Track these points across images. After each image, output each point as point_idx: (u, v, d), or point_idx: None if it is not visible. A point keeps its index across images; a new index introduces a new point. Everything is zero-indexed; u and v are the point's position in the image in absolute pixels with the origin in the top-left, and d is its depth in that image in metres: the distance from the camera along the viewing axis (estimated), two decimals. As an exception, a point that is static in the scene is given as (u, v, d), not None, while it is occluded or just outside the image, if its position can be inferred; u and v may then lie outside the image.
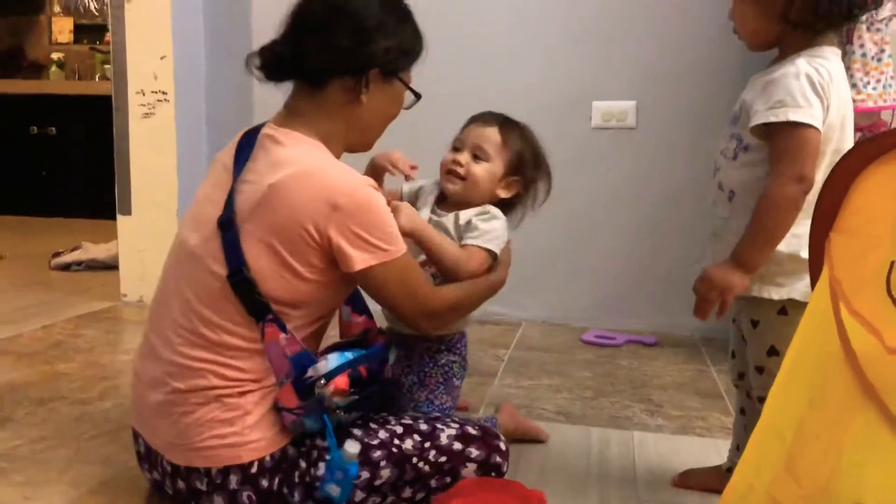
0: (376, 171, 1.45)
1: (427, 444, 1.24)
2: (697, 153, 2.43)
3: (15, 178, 4.92)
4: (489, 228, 1.40)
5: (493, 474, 1.29)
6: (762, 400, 1.20)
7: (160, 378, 1.18)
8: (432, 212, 1.47)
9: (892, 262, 0.83)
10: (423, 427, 1.26)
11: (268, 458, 1.16)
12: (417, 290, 1.24)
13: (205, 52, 2.76)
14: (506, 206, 1.48)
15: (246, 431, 1.14)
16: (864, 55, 1.84)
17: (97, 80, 5.02)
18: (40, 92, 4.89)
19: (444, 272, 1.37)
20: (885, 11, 1.77)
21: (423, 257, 1.39)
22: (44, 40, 5.36)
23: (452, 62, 2.56)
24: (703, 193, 1.32)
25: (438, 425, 1.27)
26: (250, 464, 1.15)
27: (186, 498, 1.19)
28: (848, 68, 1.83)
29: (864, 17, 1.73)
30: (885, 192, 0.87)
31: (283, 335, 1.14)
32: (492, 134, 1.44)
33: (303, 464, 1.18)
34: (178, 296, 1.19)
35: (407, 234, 1.28)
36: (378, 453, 1.20)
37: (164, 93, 2.64)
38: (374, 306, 1.32)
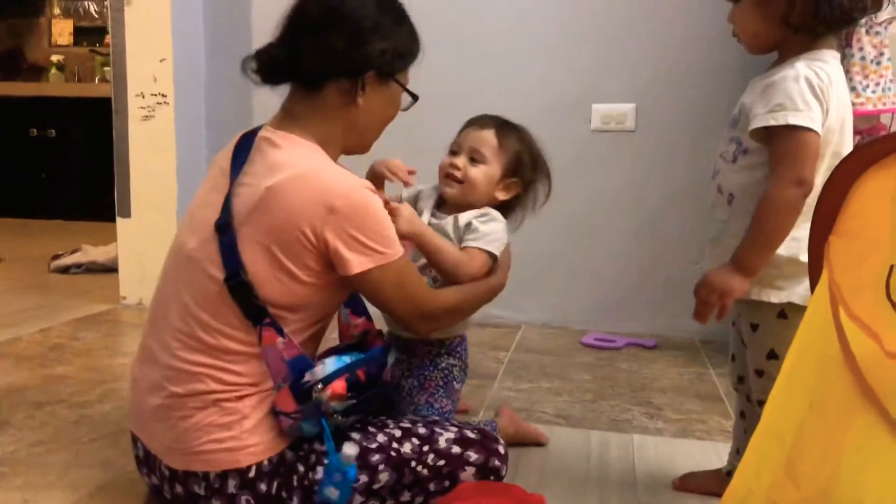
0: (375, 179, 1.45)
1: (425, 448, 1.24)
2: (697, 156, 2.43)
3: (14, 180, 4.92)
4: (489, 230, 1.40)
5: (491, 478, 1.29)
6: (762, 403, 1.20)
7: (158, 382, 1.18)
8: (432, 215, 1.47)
9: (892, 266, 0.83)
10: (422, 431, 1.25)
11: (266, 463, 1.16)
12: (415, 293, 1.23)
13: (204, 55, 2.77)
14: (505, 208, 1.48)
15: (244, 435, 1.14)
16: (863, 58, 1.84)
17: (97, 82, 5.02)
18: (40, 94, 4.90)
19: (444, 275, 1.37)
20: (884, 14, 1.77)
21: (423, 261, 1.39)
22: (44, 42, 5.36)
23: (451, 64, 2.56)
24: (702, 196, 1.32)
25: (437, 429, 1.27)
26: (248, 468, 1.15)
27: (185, 502, 1.19)
28: (847, 71, 1.83)
29: (862, 21, 1.73)
30: (884, 196, 0.87)
31: (280, 339, 1.14)
32: (488, 137, 1.45)
33: (301, 468, 1.17)
34: (176, 300, 1.18)
35: (407, 237, 1.28)
36: (376, 457, 1.20)
37: (163, 95, 2.64)
38: (373, 309, 1.32)
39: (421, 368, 1.49)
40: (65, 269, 3.33)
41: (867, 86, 1.85)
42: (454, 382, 1.50)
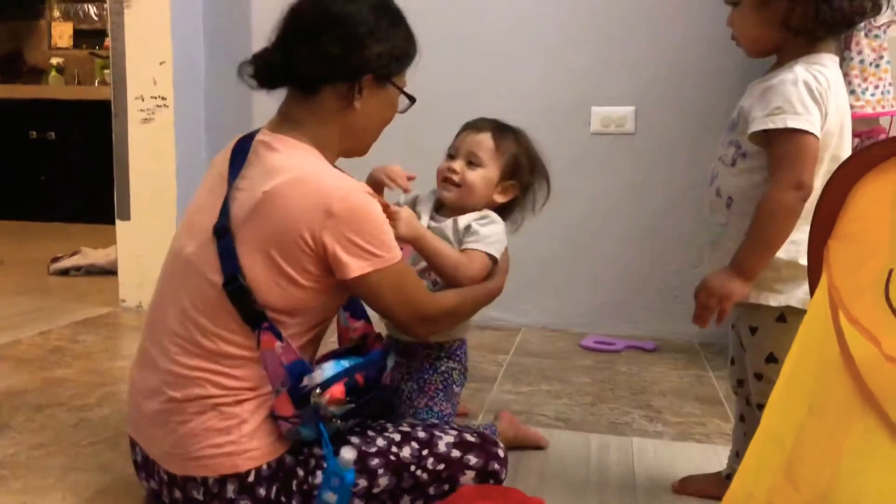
0: (374, 185, 1.45)
1: (425, 452, 1.23)
2: (696, 159, 2.44)
3: (14, 182, 4.93)
4: (489, 232, 1.41)
5: (491, 481, 1.28)
6: (761, 407, 1.20)
7: (156, 387, 1.18)
8: (430, 218, 1.47)
9: (891, 270, 0.83)
10: (421, 434, 1.25)
11: (265, 467, 1.15)
12: (413, 296, 1.23)
13: (204, 58, 2.77)
14: (504, 210, 1.49)
15: (243, 440, 1.14)
16: (861, 61, 1.84)
17: (97, 85, 5.03)
18: (40, 97, 4.90)
19: (444, 277, 1.37)
20: (883, 18, 1.77)
21: (422, 264, 1.39)
22: (43, 45, 5.37)
23: (449, 66, 2.57)
24: (702, 199, 1.32)
25: (436, 432, 1.27)
26: (247, 472, 1.15)
27: (183, 507, 1.19)
28: (846, 74, 1.83)
29: (861, 24, 1.74)
30: (883, 200, 0.87)
31: (278, 343, 1.14)
32: (485, 140, 1.45)
33: (300, 472, 1.17)
34: (174, 304, 1.18)
35: (406, 241, 1.28)
36: (376, 461, 1.20)
37: (163, 98, 2.65)
38: (372, 312, 1.32)
39: (420, 372, 1.49)
40: (64, 272, 3.33)
41: (866, 89, 1.85)
42: (454, 386, 1.50)
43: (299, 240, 1.12)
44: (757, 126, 1.16)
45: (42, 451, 1.53)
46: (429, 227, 1.41)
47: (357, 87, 1.21)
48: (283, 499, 1.16)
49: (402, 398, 1.48)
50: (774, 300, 1.21)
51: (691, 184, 2.45)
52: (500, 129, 1.47)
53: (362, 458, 1.19)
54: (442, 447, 1.25)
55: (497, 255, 1.41)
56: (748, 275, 1.17)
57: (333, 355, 1.25)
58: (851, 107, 1.81)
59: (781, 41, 1.20)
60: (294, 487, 1.17)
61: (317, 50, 1.18)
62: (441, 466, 1.24)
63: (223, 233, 1.14)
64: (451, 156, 1.47)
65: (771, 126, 1.15)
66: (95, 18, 5.28)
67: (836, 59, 1.22)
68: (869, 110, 1.85)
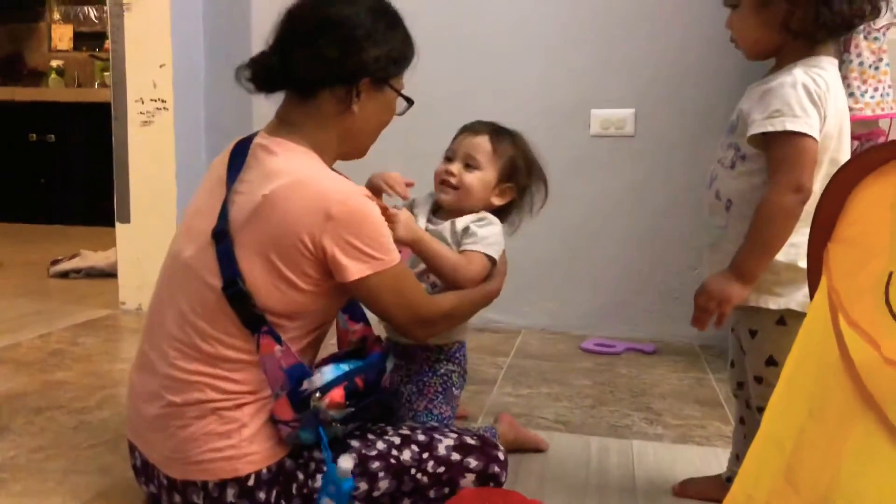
0: (373, 192, 1.45)
1: (425, 455, 1.23)
2: (696, 161, 2.43)
3: (14, 185, 4.92)
4: (487, 234, 1.41)
5: (491, 484, 1.28)
6: (761, 410, 1.20)
7: (156, 392, 1.17)
8: (428, 221, 1.48)
9: (891, 273, 0.83)
10: (421, 437, 1.25)
11: (265, 471, 1.15)
12: (412, 298, 1.24)
13: (204, 61, 2.77)
14: (501, 213, 1.49)
15: (243, 444, 1.14)
16: (861, 64, 1.84)
17: (96, 87, 5.03)
18: (40, 99, 4.90)
19: (443, 279, 1.37)
20: (883, 20, 1.77)
21: (421, 266, 1.39)
22: (43, 47, 5.37)
23: (447, 69, 2.57)
24: (702, 201, 1.32)
25: (436, 435, 1.27)
26: (247, 477, 1.14)
27: (183, 510, 1.19)
28: (845, 77, 1.83)
29: (861, 27, 1.74)
30: (882, 203, 0.87)
31: (278, 347, 1.14)
32: (482, 142, 1.46)
33: (300, 476, 1.17)
34: (173, 308, 1.18)
35: (405, 243, 1.28)
36: (376, 464, 1.20)
37: (163, 101, 2.65)
38: (371, 314, 1.32)
39: (420, 374, 1.49)
40: (64, 275, 3.33)
41: (865, 91, 1.85)
42: (453, 388, 1.50)
43: (299, 243, 1.12)
44: (756, 129, 1.17)
45: (42, 454, 1.53)
46: (426, 230, 1.42)
47: (355, 91, 1.21)
48: (283, 502, 1.16)
49: (402, 401, 1.48)
50: (774, 303, 1.21)
51: (691, 186, 2.45)
52: (498, 132, 1.48)
53: (363, 461, 1.19)
54: (442, 450, 1.25)
55: (495, 256, 1.41)
56: (747, 278, 1.17)
57: (333, 359, 1.25)
58: (851, 109, 1.80)
59: (781, 44, 1.20)
60: (294, 491, 1.17)
61: (314, 53, 1.18)
62: (441, 469, 1.24)
63: (222, 236, 1.14)
64: (449, 158, 1.48)
65: (770, 129, 1.15)
66: (95, 21, 5.29)
67: (835, 61, 1.22)
68: (868, 113, 1.85)
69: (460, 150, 1.47)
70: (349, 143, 1.27)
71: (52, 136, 4.87)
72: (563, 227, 2.58)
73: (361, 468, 1.19)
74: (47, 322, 2.57)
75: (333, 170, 1.23)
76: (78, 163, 4.82)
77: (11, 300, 2.89)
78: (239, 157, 1.21)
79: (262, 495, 1.15)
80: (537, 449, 1.61)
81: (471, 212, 1.45)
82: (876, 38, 1.85)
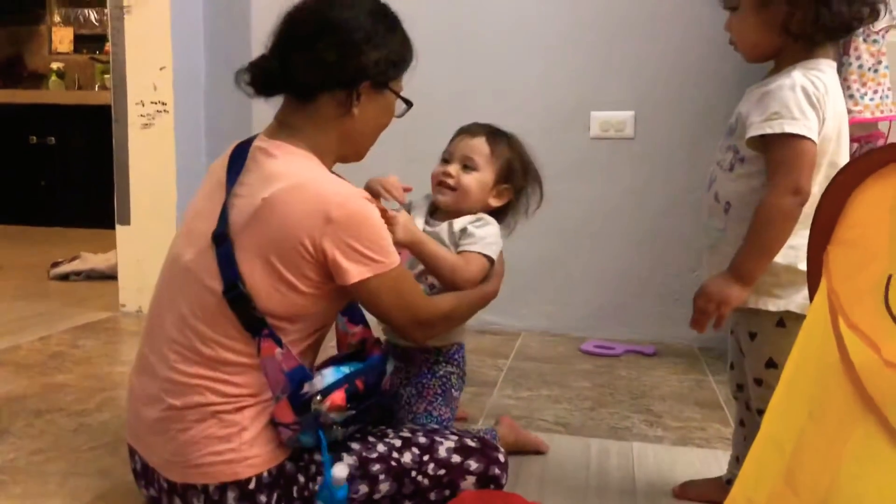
0: (371, 196, 1.45)
1: (426, 458, 1.23)
2: (696, 163, 2.44)
3: (14, 187, 4.92)
4: (485, 234, 1.42)
5: (492, 486, 1.28)
6: (761, 412, 1.20)
7: (156, 395, 1.17)
8: (425, 222, 1.48)
9: (890, 276, 0.83)
10: (422, 440, 1.25)
11: (266, 474, 1.15)
12: (411, 300, 1.24)
13: (204, 63, 2.77)
14: (497, 214, 1.50)
15: (243, 447, 1.13)
16: (860, 67, 1.84)
17: (97, 89, 5.03)
18: (40, 102, 4.90)
19: (442, 281, 1.38)
20: (882, 23, 1.77)
21: (419, 268, 1.40)
22: (44, 50, 5.37)
23: (446, 71, 2.57)
24: (701, 203, 1.33)
25: (437, 438, 1.27)
26: (248, 480, 1.14)
27: (184, 514, 1.19)
28: (845, 79, 1.84)
29: (860, 30, 1.74)
30: (882, 206, 0.87)
31: (279, 350, 1.14)
32: (480, 144, 1.46)
33: (301, 479, 1.17)
34: (173, 311, 1.18)
35: (404, 245, 1.28)
36: (377, 467, 1.20)
37: (163, 103, 2.65)
38: (369, 317, 1.32)
39: (419, 377, 1.49)
40: (64, 277, 3.33)
41: (865, 94, 1.86)
42: (452, 390, 1.50)
43: (299, 246, 1.12)
44: (754, 131, 1.17)
45: (42, 457, 1.53)
46: (424, 232, 1.42)
47: (355, 94, 1.21)
48: (283, 505, 1.16)
49: (401, 403, 1.48)
50: (774, 305, 1.21)
51: (690, 188, 2.45)
52: (494, 134, 1.49)
53: (363, 463, 1.19)
54: (443, 452, 1.25)
55: (493, 256, 1.42)
56: (746, 280, 1.17)
57: (333, 361, 1.25)
58: (850, 112, 1.81)
59: (780, 46, 1.21)
60: (295, 494, 1.16)
61: (313, 57, 1.18)
62: (442, 472, 1.24)
63: (222, 239, 1.14)
64: (446, 160, 1.49)
65: (769, 131, 1.15)
66: (96, 23, 5.29)
67: (834, 64, 1.22)
68: (868, 115, 1.85)
69: (457, 151, 1.47)
70: (348, 145, 1.27)
71: (53, 138, 4.87)
72: (562, 229, 2.58)
73: (362, 471, 1.19)
74: (47, 324, 2.57)
75: (333, 172, 1.24)
76: (78, 165, 4.82)
77: (11, 302, 2.89)
78: (238, 159, 1.21)
79: (262, 498, 1.15)
80: (537, 451, 1.61)
81: (468, 213, 1.46)
82: (875, 41, 1.85)
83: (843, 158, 1.20)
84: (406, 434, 1.26)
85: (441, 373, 1.50)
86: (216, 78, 2.76)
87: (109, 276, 3.15)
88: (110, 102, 2.73)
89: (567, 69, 2.58)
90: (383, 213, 1.24)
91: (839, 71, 1.69)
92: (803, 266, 1.07)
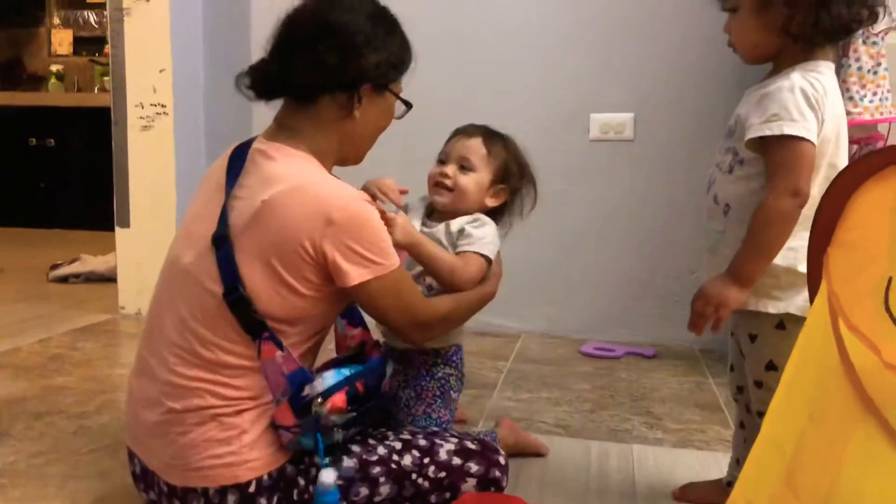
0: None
1: (426, 460, 1.23)
2: (695, 165, 2.44)
3: (13, 189, 4.92)
4: (482, 234, 1.42)
5: (492, 489, 1.28)
6: (761, 414, 1.20)
7: (156, 398, 1.17)
8: (423, 224, 1.48)
9: (890, 278, 0.83)
10: (422, 442, 1.25)
11: (266, 477, 1.15)
12: (410, 302, 1.24)
13: (204, 66, 2.77)
14: (493, 215, 1.50)
15: (243, 450, 1.13)
16: (860, 69, 1.85)
17: (96, 92, 5.03)
18: (39, 104, 4.90)
19: (441, 282, 1.38)
20: (881, 25, 1.78)
21: (417, 269, 1.40)
22: (43, 52, 5.37)
23: (446, 73, 2.57)
24: (701, 205, 1.33)
25: (437, 440, 1.27)
26: (248, 483, 1.14)
27: (184, 517, 1.18)
28: (844, 81, 1.84)
29: (859, 31, 1.74)
30: (882, 208, 0.87)
31: (279, 353, 1.14)
32: (476, 145, 1.47)
33: (301, 481, 1.17)
34: (173, 314, 1.18)
35: (403, 247, 1.28)
36: (377, 469, 1.20)
37: (162, 106, 2.65)
38: (368, 319, 1.32)
39: (417, 379, 1.49)
40: (63, 279, 3.33)
41: (864, 95, 1.86)
42: (451, 392, 1.50)
43: (300, 248, 1.12)
44: (754, 133, 1.17)
45: (41, 459, 1.53)
46: (421, 233, 1.42)
47: (356, 97, 1.21)
48: (283, 508, 1.16)
49: (400, 406, 1.48)
50: (773, 307, 1.21)
51: (690, 190, 2.45)
52: (491, 135, 1.50)
53: (364, 466, 1.19)
54: (443, 455, 1.25)
55: (491, 256, 1.42)
56: (745, 282, 1.17)
57: (333, 364, 1.25)
58: (850, 113, 1.81)
59: (779, 48, 1.21)
60: (295, 497, 1.16)
61: (314, 60, 1.18)
62: (442, 474, 1.24)
63: (222, 242, 1.14)
64: (442, 161, 1.49)
65: (767, 133, 1.15)
66: (95, 26, 5.29)
67: (833, 66, 1.22)
68: (867, 117, 1.85)
69: (454, 152, 1.48)
70: (348, 147, 1.27)
71: (52, 140, 4.87)
72: (562, 231, 2.58)
73: (362, 473, 1.19)
74: (47, 327, 2.57)
75: (332, 174, 1.24)
76: (78, 167, 4.82)
77: (11, 305, 2.89)
78: (237, 162, 1.21)
79: (262, 501, 1.15)
80: (537, 453, 1.61)
81: (465, 213, 1.46)
82: (874, 43, 1.85)
83: (843, 160, 1.20)
84: (406, 436, 1.26)
85: (439, 375, 1.50)
86: (216, 80, 2.76)
87: (109, 278, 3.15)
88: (110, 105, 2.73)
89: (566, 71, 2.58)
90: (381, 214, 1.24)
91: (838, 73, 1.69)
92: (803, 268, 1.07)
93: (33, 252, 4.01)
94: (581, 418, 1.86)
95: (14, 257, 3.86)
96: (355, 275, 1.14)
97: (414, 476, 1.22)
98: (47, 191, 4.92)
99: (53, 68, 5.19)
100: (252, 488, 1.14)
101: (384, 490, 1.20)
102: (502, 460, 1.31)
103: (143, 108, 2.66)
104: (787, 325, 1.20)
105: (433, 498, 1.24)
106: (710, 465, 1.58)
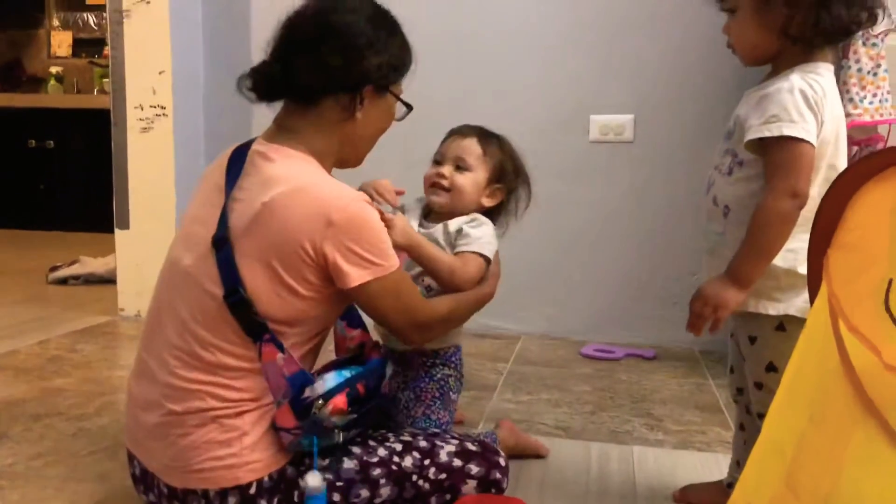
0: None
1: (427, 462, 1.23)
2: (695, 166, 2.43)
3: (13, 191, 4.92)
4: (480, 234, 1.42)
5: (493, 490, 1.28)
6: (761, 416, 1.20)
7: (156, 400, 1.17)
8: (420, 225, 1.48)
9: (891, 280, 0.83)
10: (423, 444, 1.25)
11: (266, 479, 1.15)
12: (409, 303, 1.24)
13: (203, 67, 2.78)
14: (490, 215, 1.51)
15: (244, 452, 1.13)
16: (860, 70, 1.85)
17: (96, 93, 5.03)
18: (39, 105, 4.90)
19: (441, 282, 1.38)
20: (881, 27, 1.78)
21: (416, 270, 1.40)
22: (43, 54, 5.38)
23: (446, 75, 2.57)
24: (701, 207, 1.33)
25: (438, 442, 1.27)
26: (249, 485, 1.14)
27: (183, 519, 1.18)
28: (844, 83, 1.84)
29: (859, 33, 1.74)
30: (882, 209, 0.87)
31: (280, 355, 1.14)
32: (471, 145, 1.48)
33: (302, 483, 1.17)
34: (173, 316, 1.18)
35: (402, 248, 1.28)
36: (377, 471, 1.20)
37: (162, 107, 2.65)
38: (367, 321, 1.32)
39: (416, 381, 1.50)
40: (63, 281, 3.32)
41: (864, 97, 1.86)
42: (450, 393, 1.50)
43: (300, 250, 1.12)
44: (753, 134, 1.17)
45: (41, 461, 1.53)
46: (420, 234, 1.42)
47: (359, 98, 1.21)
48: (284, 510, 1.16)
49: (399, 408, 1.48)
50: (773, 309, 1.21)
51: (690, 191, 2.44)
52: (486, 135, 1.51)
53: (364, 467, 1.19)
54: (443, 456, 1.25)
55: (490, 255, 1.43)
56: (743, 283, 1.17)
57: (333, 365, 1.25)
58: (850, 115, 1.81)
59: (778, 49, 1.20)
60: (296, 498, 1.16)
61: (317, 61, 1.18)
62: (443, 476, 1.24)
63: (222, 244, 1.14)
64: (438, 162, 1.50)
65: (767, 134, 1.15)
66: (95, 28, 5.29)
67: (832, 67, 1.22)
68: (867, 118, 1.85)
69: (449, 152, 1.48)
70: (349, 149, 1.27)
71: (52, 142, 4.87)
72: (562, 232, 2.58)
73: (363, 475, 1.19)
74: (46, 329, 2.57)
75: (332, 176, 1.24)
76: (77, 169, 4.82)
77: (10, 307, 2.89)
78: (236, 163, 1.21)
79: (263, 503, 1.15)
80: (538, 455, 1.61)
81: (462, 213, 1.47)
82: (874, 45, 1.85)
83: (842, 161, 1.20)
84: (407, 438, 1.26)
85: (438, 376, 1.50)
86: (215, 82, 2.77)
87: (108, 280, 3.15)
88: (109, 106, 2.73)
89: (566, 71, 2.58)
90: (380, 215, 1.24)
91: (838, 74, 1.69)
92: (803, 269, 1.07)
93: (32, 254, 4.01)
94: (581, 420, 1.86)
95: (13, 259, 3.86)
96: (356, 276, 1.14)
97: (414, 477, 1.22)
98: (47, 192, 4.92)
99: (53, 70, 5.19)
100: (253, 490, 1.14)
101: (384, 491, 1.20)
102: (503, 462, 1.31)
103: (142, 109, 2.66)
104: (787, 326, 1.20)
105: (434, 499, 1.24)
106: (711, 466, 1.58)
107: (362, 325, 1.35)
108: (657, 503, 1.43)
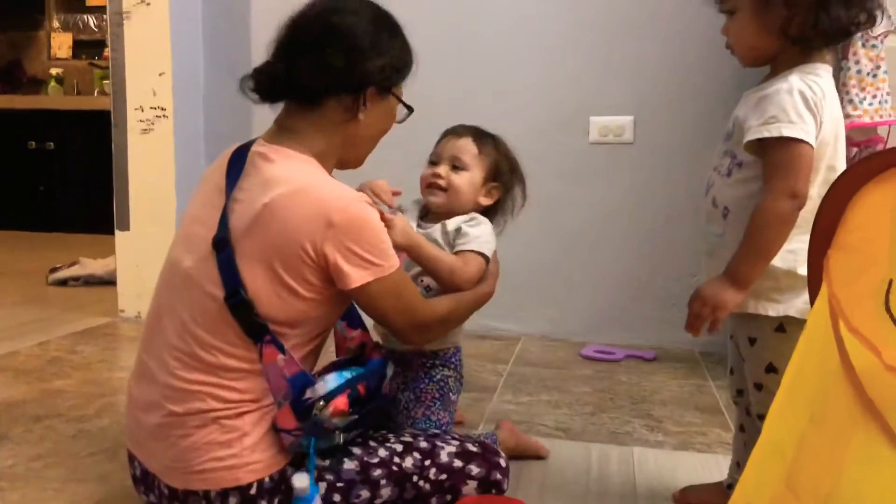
0: None
1: (427, 462, 1.23)
2: (695, 168, 2.43)
3: (13, 192, 4.92)
4: (479, 233, 1.43)
5: (493, 491, 1.28)
6: (762, 417, 1.20)
7: (156, 401, 1.17)
8: (418, 225, 1.49)
9: (891, 281, 0.83)
10: (423, 445, 1.25)
11: (267, 480, 1.15)
12: (410, 303, 1.24)
13: (203, 69, 2.78)
14: (488, 213, 1.51)
15: (245, 453, 1.13)
16: (859, 71, 1.85)
17: (96, 95, 5.03)
18: (39, 107, 4.90)
19: (441, 282, 1.38)
20: (880, 28, 1.78)
21: (415, 270, 1.40)
22: (43, 55, 5.38)
23: (446, 77, 2.57)
24: (700, 208, 1.33)
25: (438, 443, 1.27)
26: (249, 485, 1.14)
27: (184, 520, 1.18)
28: (843, 84, 1.84)
29: (858, 34, 1.74)
30: (882, 210, 0.87)
31: (281, 356, 1.14)
32: (467, 144, 1.48)
33: (302, 484, 1.17)
34: (173, 317, 1.18)
35: (401, 248, 1.28)
36: (378, 471, 1.20)
37: (162, 109, 2.65)
38: (367, 321, 1.32)
39: (416, 381, 1.50)
40: (63, 282, 3.32)
41: (864, 98, 1.86)
42: (450, 394, 1.50)
43: (301, 251, 1.12)
44: (752, 135, 1.17)
45: (41, 463, 1.53)
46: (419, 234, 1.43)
47: (362, 99, 1.21)
48: (284, 510, 1.16)
49: (399, 408, 1.48)
50: (773, 310, 1.21)
51: (690, 193, 2.44)
52: (481, 134, 1.52)
53: (364, 468, 1.19)
54: (444, 457, 1.25)
55: (489, 254, 1.43)
56: (742, 284, 1.17)
57: (334, 366, 1.25)
58: (849, 116, 1.82)
59: (778, 50, 1.21)
60: (296, 499, 1.16)
61: (320, 63, 1.18)
62: (443, 477, 1.24)
63: (223, 245, 1.14)
64: (434, 162, 1.51)
65: (766, 135, 1.15)
66: (95, 29, 5.30)
67: (830, 69, 1.22)
68: (867, 120, 1.86)
69: (445, 152, 1.49)
70: (350, 150, 1.27)
71: (52, 143, 4.88)
72: (562, 233, 2.58)
73: (363, 475, 1.19)
74: (46, 330, 2.57)
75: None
76: (77, 171, 4.82)
77: (10, 308, 2.89)
78: (237, 164, 1.21)
79: (264, 504, 1.15)
80: (538, 455, 1.61)
81: (460, 213, 1.47)
82: (874, 46, 1.85)
83: (841, 162, 1.20)
84: (407, 439, 1.26)
85: (438, 377, 1.50)
86: (216, 83, 2.77)
87: (108, 281, 3.15)
88: (109, 108, 2.73)
89: (566, 72, 2.59)
90: (381, 216, 1.24)
91: (838, 76, 1.69)
92: (803, 270, 1.07)
93: (32, 255, 4.01)
94: (581, 421, 1.86)
95: (13, 260, 3.86)
96: (356, 277, 1.14)
97: (415, 478, 1.22)
98: (47, 194, 4.92)
99: (53, 72, 5.19)
100: (253, 490, 1.14)
101: (385, 492, 1.20)
102: (503, 463, 1.31)
103: (142, 111, 2.66)
104: (787, 327, 1.20)
105: (434, 500, 1.24)
106: (711, 467, 1.58)
107: (362, 326, 1.35)
108: (657, 504, 1.43)
